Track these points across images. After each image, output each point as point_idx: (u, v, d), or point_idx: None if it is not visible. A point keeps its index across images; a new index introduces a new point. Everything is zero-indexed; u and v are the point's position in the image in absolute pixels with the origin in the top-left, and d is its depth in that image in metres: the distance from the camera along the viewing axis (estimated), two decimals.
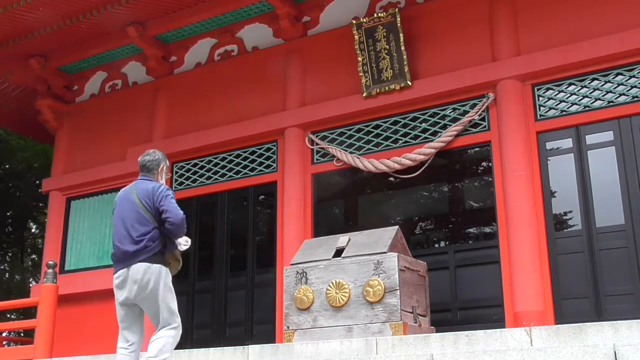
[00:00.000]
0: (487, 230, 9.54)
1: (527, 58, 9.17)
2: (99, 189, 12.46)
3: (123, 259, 5.10)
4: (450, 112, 9.69)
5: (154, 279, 5.00)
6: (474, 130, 9.46)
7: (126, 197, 5.29)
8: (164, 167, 5.45)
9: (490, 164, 9.35)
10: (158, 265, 5.05)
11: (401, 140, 9.92)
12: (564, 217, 8.82)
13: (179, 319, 5.13)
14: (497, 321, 8.64)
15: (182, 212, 5.15)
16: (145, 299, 5.04)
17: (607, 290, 8.22)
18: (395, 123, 10.02)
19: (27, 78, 12.94)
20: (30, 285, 19.27)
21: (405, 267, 7.71)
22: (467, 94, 9.56)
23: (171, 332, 5.03)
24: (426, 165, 9.51)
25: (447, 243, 9.81)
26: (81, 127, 13.20)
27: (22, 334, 19.54)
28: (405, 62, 9.78)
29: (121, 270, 5.10)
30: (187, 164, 11.70)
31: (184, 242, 5.27)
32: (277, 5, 10.71)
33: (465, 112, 9.52)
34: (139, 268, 5.00)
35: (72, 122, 13.36)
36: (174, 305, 5.11)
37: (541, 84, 9.15)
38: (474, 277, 9.09)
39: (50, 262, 9.00)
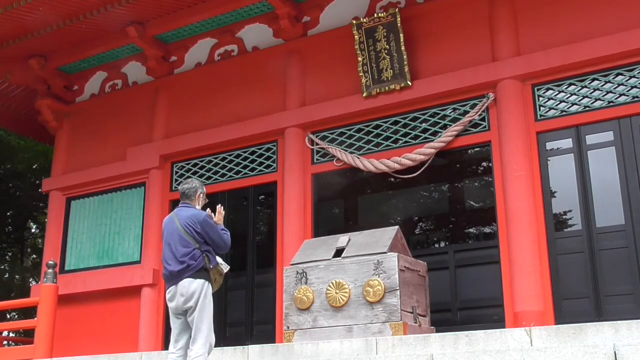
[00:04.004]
0: (487, 230, 9.54)
1: (527, 58, 9.17)
2: (99, 189, 12.46)
3: (171, 278, 5.82)
4: (450, 112, 9.69)
5: (197, 291, 5.72)
6: (474, 130, 9.46)
7: (170, 223, 5.98)
8: (201, 194, 6.13)
9: (490, 164, 9.35)
10: (201, 280, 5.76)
11: (401, 140, 9.92)
12: (564, 217, 8.82)
13: (212, 334, 5.77)
14: (497, 321, 8.64)
15: (227, 234, 5.97)
16: (189, 309, 5.74)
17: (607, 290, 8.22)
18: (395, 123, 10.02)
19: (27, 78, 12.93)
20: (31, 285, 19.27)
21: (405, 267, 7.70)
22: (467, 94, 9.56)
23: (205, 348, 5.67)
24: (426, 165, 9.50)
25: (447, 243, 9.81)
26: (81, 127, 13.19)
27: (22, 334, 19.53)
28: (405, 62, 9.78)
29: (171, 287, 5.83)
30: (187, 164, 11.71)
31: (224, 266, 6.02)
32: (277, 5, 10.71)
33: (466, 112, 9.52)
34: (184, 283, 5.73)
35: (72, 122, 13.36)
36: (211, 318, 5.78)
37: (541, 84, 9.15)
38: (474, 277, 9.09)
39: (50, 262, 9.01)
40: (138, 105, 12.50)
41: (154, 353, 8.11)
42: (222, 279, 6.03)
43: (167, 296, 5.87)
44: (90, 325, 11.66)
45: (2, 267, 23.18)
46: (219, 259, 5.98)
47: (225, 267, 6.01)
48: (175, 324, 5.88)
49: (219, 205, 6.31)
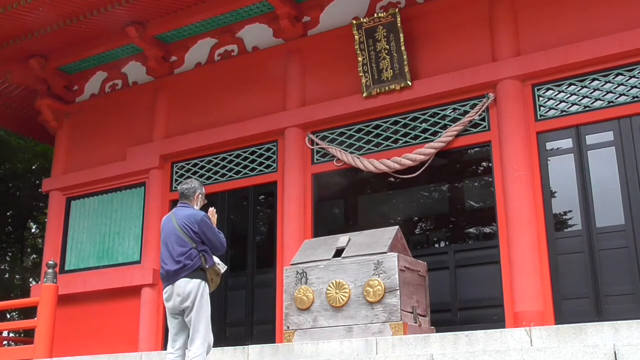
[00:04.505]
0: (487, 230, 9.54)
1: (527, 58, 9.17)
2: (99, 189, 12.46)
3: (167, 277, 5.80)
4: (450, 112, 9.69)
5: (194, 291, 5.70)
6: (474, 130, 9.46)
7: (168, 223, 5.96)
8: (200, 195, 6.12)
9: (490, 164, 9.35)
10: (197, 280, 5.74)
11: (401, 140, 9.92)
12: (564, 217, 8.82)
13: (210, 334, 5.76)
14: (497, 321, 8.64)
15: (222, 235, 5.96)
16: (186, 309, 5.73)
17: (607, 290, 8.22)
18: (395, 123, 10.02)
19: (27, 78, 12.93)
20: (31, 285, 19.28)
21: (405, 267, 7.70)
22: (467, 94, 9.56)
23: (204, 348, 5.67)
24: (426, 165, 9.51)
25: (447, 243, 9.81)
26: (81, 127, 13.19)
27: (22, 334, 19.53)
28: (405, 62, 9.78)
29: (168, 287, 5.81)
30: (187, 164, 11.71)
31: (221, 265, 6.01)
32: (277, 5, 10.71)
33: (466, 112, 9.52)
34: (181, 283, 5.71)
35: (72, 122, 13.36)
36: (208, 317, 5.76)
37: (541, 84, 9.15)
38: (474, 277, 9.09)
39: (50, 262, 9.00)
40: (138, 105, 12.49)
41: (154, 353, 8.11)
42: (220, 279, 6.01)
43: (164, 296, 5.85)
44: (90, 325, 11.66)
45: (2, 267, 23.18)
46: (216, 259, 5.96)
47: (222, 267, 5.99)
48: (172, 324, 5.85)
49: (212, 208, 6.29)
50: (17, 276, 22.67)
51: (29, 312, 18.46)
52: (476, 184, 10.00)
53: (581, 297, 8.36)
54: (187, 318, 5.72)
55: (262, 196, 11.21)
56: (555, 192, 8.89)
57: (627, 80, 8.66)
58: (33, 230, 23.84)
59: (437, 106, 9.77)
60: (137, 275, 11.36)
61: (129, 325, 11.25)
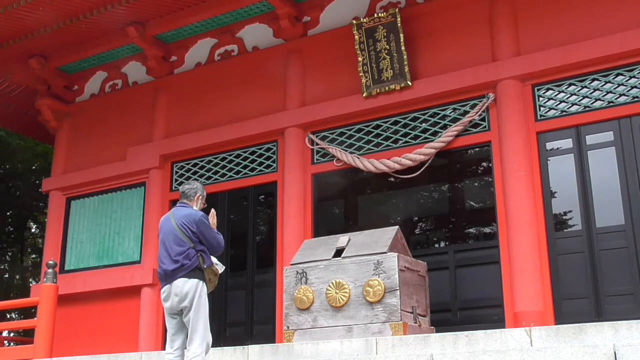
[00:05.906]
0: (487, 230, 9.54)
1: (527, 58, 9.17)
2: (99, 189, 12.46)
3: (165, 277, 5.78)
4: (450, 112, 9.69)
5: (192, 291, 5.68)
6: (474, 130, 9.46)
7: (166, 223, 5.95)
8: (200, 197, 6.15)
9: (490, 164, 9.35)
10: (195, 279, 5.72)
11: (401, 140, 9.92)
12: (564, 217, 8.82)
13: (209, 334, 5.76)
14: (497, 321, 8.64)
15: (220, 236, 5.96)
16: (184, 309, 5.72)
17: (607, 290, 8.22)
18: (395, 123, 10.02)
19: (27, 78, 12.93)
20: (30, 285, 19.28)
21: (405, 267, 7.70)
22: (467, 94, 9.56)
23: (203, 348, 5.66)
24: (426, 165, 9.51)
25: (447, 243, 9.81)
26: (81, 127, 13.20)
27: (22, 334, 19.53)
28: (405, 62, 9.78)
29: (165, 286, 5.79)
30: (187, 164, 11.71)
31: (219, 266, 6.01)
32: (277, 5, 10.71)
33: (466, 112, 9.52)
34: (178, 283, 5.69)
35: (72, 122, 13.36)
36: (207, 317, 5.75)
37: (541, 84, 9.15)
38: (474, 277, 9.09)
39: (50, 262, 9.00)
40: (138, 105, 12.50)
41: (154, 353, 8.11)
42: (217, 279, 5.99)
43: (162, 296, 5.82)
44: (90, 325, 11.66)
45: (2, 267, 23.19)
46: (214, 259, 5.95)
47: (220, 268, 5.97)
48: (170, 324, 5.83)
49: (212, 210, 6.27)
50: (17, 276, 22.68)
51: (29, 312, 18.46)
52: (476, 184, 10.01)
53: (581, 297, 8.36)
54: (185, 318, 5.71)
55: (262, 196, 11.22)
56: (555, 192, 8.89)
57: (627, 80, 8.66)
58: (33, 230, 23.85)
59: (437, 106, 9.77)
60: (137, 275, 11.36)
61: (129, 325, 11.25)
